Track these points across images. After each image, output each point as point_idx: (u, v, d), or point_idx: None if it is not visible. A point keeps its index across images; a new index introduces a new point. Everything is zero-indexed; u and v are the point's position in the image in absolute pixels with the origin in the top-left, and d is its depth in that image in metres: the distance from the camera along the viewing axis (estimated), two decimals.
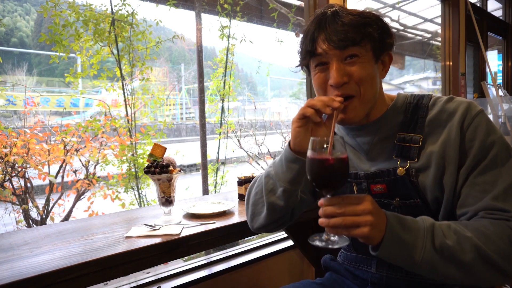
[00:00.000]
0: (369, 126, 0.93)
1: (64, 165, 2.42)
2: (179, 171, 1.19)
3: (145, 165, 1.19)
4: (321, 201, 0.74)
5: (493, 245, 0.73)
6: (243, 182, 1.46)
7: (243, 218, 1.21)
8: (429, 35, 5.14)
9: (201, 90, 2.80)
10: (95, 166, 2.55)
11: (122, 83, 2.58)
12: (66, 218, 2.43)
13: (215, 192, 3.06)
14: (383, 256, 0.74)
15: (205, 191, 2.90)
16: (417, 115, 0.89)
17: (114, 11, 2.48)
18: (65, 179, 2.44)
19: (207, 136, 2.83)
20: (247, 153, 3.49)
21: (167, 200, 1.20)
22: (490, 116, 3.47)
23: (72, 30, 2.31)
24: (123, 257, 0.94)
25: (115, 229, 1.12)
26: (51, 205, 2.40)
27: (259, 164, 3.47)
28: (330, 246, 0.74)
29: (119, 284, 1.53)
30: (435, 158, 0.84)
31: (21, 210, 2.29)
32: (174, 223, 1.17)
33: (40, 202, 2.37)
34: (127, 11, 2.48)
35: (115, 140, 2.55)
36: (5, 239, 1.07)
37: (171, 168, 1.17)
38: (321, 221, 0.73)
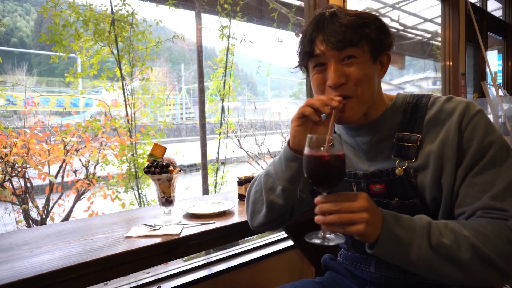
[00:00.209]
0: (368, 125, 0.93)
1: (64, 165, 2.42)
2: (179, 171, 1.19)
3: (145, 165, 1.19)
4: (317, 199, 0.75)
5: (491, 244, 0.73)
6: (243, 182, 1.46)
7: (243, 218, 1.21)
8: (429, 35, 5.13)
9: (201, 90, 2.80)
10: (95, 166, 2.55)
11: (122, 83, 2.58)
12: (66, 218, 2.43)
13: (215, 192, 3.06)
14: (379, 254, 0.74)
15: (205, 191, 2.90)
16: (416, 114, 0.90)
17: (114, 11, 2.48)
18: (65, 179, 2.44)
19: (207, 136, 2.83)
20: (247, 153, 3.49)
21: (167, 200, 1.20)
22: (490, 116, 3.47)
23: (72, 30, 2.31)
24: (123, 257, 0.94)
25: (115, 229, 1.12)
26: (51, 205, 2.40)
27: (259, 164, 3.47)
28: (326, 244, 0.74)
29: (119, 284, 1.53)
30: (433, 157, 0.84)
31: (21, 210, 2.29)
32: (174, 223, 1.17)
33: (40, 202, 2.37)
34: (127, 11, 2.48)
35: (115, 140, 2.55)
36: (5, 239, 1.07)
37: (171, 168, 1.17)
38: (317, 218, 0.73)
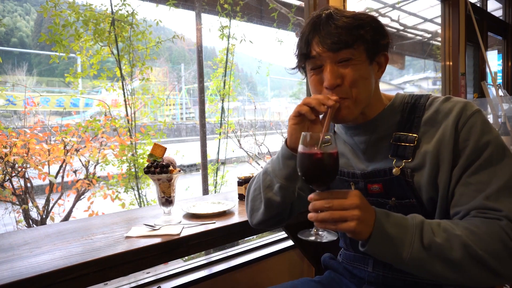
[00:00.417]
0: (366, 125, 0.93)
1: (64, 165, 2.42)
2: (179, 171, 1.19)
3: (145, 165, 1.19)
4: (311, 196, 0.76)
5: (483, 244, 0.73)
6: (243, 182, 1.46)
7: (243, 218, 1.21)
8: (429, 35, 5.13)
9: (201, 90, 2.80)
10: (95, 166, 2.55)
11: (122, 83, 2.58)
12: (66, 218, 2.43)
13: (215, 192, 3.06)
14: (371, 252, 0.75)
15: (205, 191, 2.90)
16: (413, 115, 0.90)
17: (114, 11, 2.48)
18: (65, 179, 2.44)
19: (207, 136, 2.83)
20: (247, 153, 3.49)
21: (167, 200, 1.20)
22: (490, 116, 3.47)
23: (72, 30, 2.31)
24: (123, 257, 0.94)
25: (115, 229, 1.12)
26: (51, 205, 2.40)
27: (259, 164, 3.47)
28: (318, 240, 0.75)
29: (119, 284, 1.53)
30: (430, 157, 0.85)
31: (21, 210, 2.29)
32: (174, 223, 1.17)
33: (40, 202, 2.37)
34: (127, 11, 2.48)
35: (115, 140, 2.55)
36: (5, 239, 1.07)
37: (171, 168, 1.17)
38: (310, 215, 0.74)
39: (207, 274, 1.62)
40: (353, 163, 0.98)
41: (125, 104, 2.60)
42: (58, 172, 2.42)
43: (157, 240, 1.01)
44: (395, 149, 0.89)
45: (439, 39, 3.72)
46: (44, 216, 2.35)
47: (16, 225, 2.31)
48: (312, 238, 0.76)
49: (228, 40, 3.03)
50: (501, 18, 4.81)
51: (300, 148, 0.76)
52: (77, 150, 2.42)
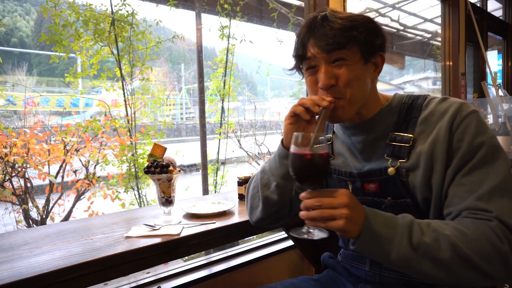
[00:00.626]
0: (363, 125, 0.94)
1: (64, 165, 2.42)
2: (179, 171, 1.19)
3: (145, 165, 1.19)
4: (302, 195, 0.78)
5: (472, 244, 0.73)
6: (243, 182, 1.46)
7: (243, 218, 1.21)
8: (429, 35, 5.14)
9: (201, 90, 2.80)
10: (95, 166, 2.55)
11: (122, 83, 2.58)
12: (66, 218, 2.43)
13: (215, 192, 3.06)
14: (360, 251, 0.76)
15: (205, 191, 2.90)
16: (410, 115, 0.91)
17: (114, 11, 2.48)
18: (65, 179, 2.44)
19: (207, 136, 2.83)
20: (247, 153, 3.49)
21: (167, 200, 1.20)
22: (490, 116, 3.47)
23: (72, 30, 2.31)
24: (123, 257, 0.94)
25: (115, 229, 1.12)
26: (51, 205, 2.40)
27: (259, 164, 3.46)
28: (310, 238, 0.78)
29: (119, 284, 1.53)
30: (424, 158, 0.85)
31: (21, 210, 2.29)
32: (174, 223, 1.17)
33: (40, 202, 2.37)
34: (127, 11, 2.48)
35: (115, 140, 2.55)
36: (5, 239, 1.07)
37: (171, 168, 1.17)
38: (302, 213, 0.76)
39: (207, 274, 1.62)
40: (350, 163, 0.99)
41: (125, 104, 2.60)
42: (58, 172, 2.42)
43: (157, 240, 1.01)
44: (391, 149, 0.90)
45: (439, 39, 3.72)
46: (44, 216, 2.35)
47: (16, 225, 2.31)
48: (304, 236, 0.79)
49: (228, 40, 3.03)
50: (501, 18, 4.81)
51: (292, 148, 0.78)
52: (77, 150, 2.42)
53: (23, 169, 2.24)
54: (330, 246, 1.25)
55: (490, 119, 3.55)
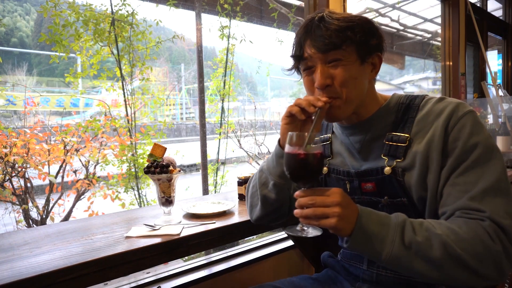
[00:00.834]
0: (361, 125, 0.95)
1: (64, 165, 2.42)
2: (179, 171, 1.19)
3: (145, 165, 1.19)
4: (296, 193, 0.80)
5: (463, 244, 0.73)
6: (243, 182, 1.46)
7: (243, 218, 1.21)
8: (429, 35, 5.14)
9: (201, 90, 2.80)
10: (95, 166, 2.55)
11: (122, 83, 2.58)
12: (66, 218, 2.43)
13: (215, 192, 3.06)
14: (352, 249, 0.77)
15: (205, 191, 2.90)
16: (407, 115, 0.92)
17: (114, 11, 2.48)
18: (65, 179, 2.44)
19: (207, 136, 2.83)
20: (247, 153, 3.49)
21: (167, 200, 1.20)
22: (490, 116, 3.47)
23: (72, 30, 2.31)
24: (123, 257, 0.94)
25: (115, 229, 1.12)
26: (51, 205, 2.40)
27: (259, 164, 3.46)
28: (304, 236, 0.80)
29: (119, 284, 1.52)
30: (419, 158, 0.86)
31: (21, 210, 2.29)
32: (174, 223, 1.17)
33: (40, 202, 2.37)
34: (127, 11, 2.48)
35: (115, 140, 2.55)
36: (5, 239, 1.07)
37: (171, 168, 1.17)
38: (296, 211, 0.78)
39: (207, 274, 1.62)
40: (348, 162, 1.00)
41: (125, 104, 2.60)
42: (58, 172, 2.42)
43: (157, 240, 1.01)
44: (388, 149, 0.91)
45: (439, 39, 3.72)
46: (44, 216, 2.35)
47: (16, 225, 2.31)
48: (298, 234, 0.81)
49: (228, 40, 3.03)
50: (501, 18, 4.81)
51: (286, 147, 0.80)
52: (77, 150, 2.42)
53: (23, 169, 2.24)
54: (330, 245, 1.25)
55: (490, 119, 3.55)
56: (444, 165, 0.83)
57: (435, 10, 4.20)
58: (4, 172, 2.17)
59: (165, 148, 1.19)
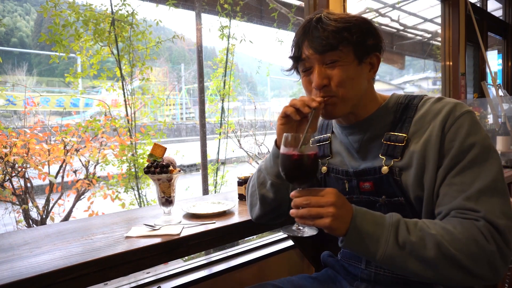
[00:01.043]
0: (360, 125, 0.96)
1: (64, 165, 2.41)
2: (179, 171, 1.19)
3: (145, 165, 1.19)
4: (292, 193, 0.81)
5: (457, 244, 0.73)
6: (243, 182, 1.46)
7: (243, 218, 1.21)
8: (429, 35, 5.14)
9: (201, 90, 2.80)
10: (95, 166, 2.55)
11: (122, 83, 2.58)
12: (66, 218, 2.42)
13: (215, 192, 3.06)
14: (347, 248, 0.78)
15: (205, 191, 2.90)
16: (406, 115, 0.92)
17: (114, 11, 2.48)
18: (65, 179, 2.44)
19: (207, 136, 2.83)
20: (247, 153, 3.49)
21: (167, 200, 1.20)
22: (490, 116, 3.47)
23: (72, 30, 2.31)
24: (123, 257, 0.94)
25: (115, 229, 1.12)
26: (51, 205, 2.40)
27: (259, 164, 3.46)
28: (300, 235, 0.82)
29: (119, 284, 1.53)
30: (416, 157, 0.86)
31: (21, 210, 2.29)
32: (174, 223, 1.17)
33: (40, 202, 2.37)
34: (127, 11, 2.48)
35: (115, 140, 2.55)
36: (5, 239, 1.07)
37: (171, 168, 1.17)
38: (292, 211, 0.79)
39: (207, 274, 1.62)
40: (347, 162, 1.01)
41: (125, 104, 2.60)
42: (58, 172, 2.42)
43: (157, 240, 1.01)
44: (386, 148, 0.92)
45: (439, 39, 3.72)
46: (44, 216, 2.35)
47: (16, 225, 2.31)
48: (294, 233, 0.82)
49: (228, 40, 3.03)
50: (501, 18, 4.81)
51: (281, 148, 0.81)
52: (77, 150, 2.42)
53: (23, 169, 2.24)
54: (330, 245, 1.25)
55: (490, 119, 3.55)
56: (440, 165, 0.84)
57: (435, 10, 4.20)
58: (4, 172, 2.17)
59: (165, 148, 1.19)
